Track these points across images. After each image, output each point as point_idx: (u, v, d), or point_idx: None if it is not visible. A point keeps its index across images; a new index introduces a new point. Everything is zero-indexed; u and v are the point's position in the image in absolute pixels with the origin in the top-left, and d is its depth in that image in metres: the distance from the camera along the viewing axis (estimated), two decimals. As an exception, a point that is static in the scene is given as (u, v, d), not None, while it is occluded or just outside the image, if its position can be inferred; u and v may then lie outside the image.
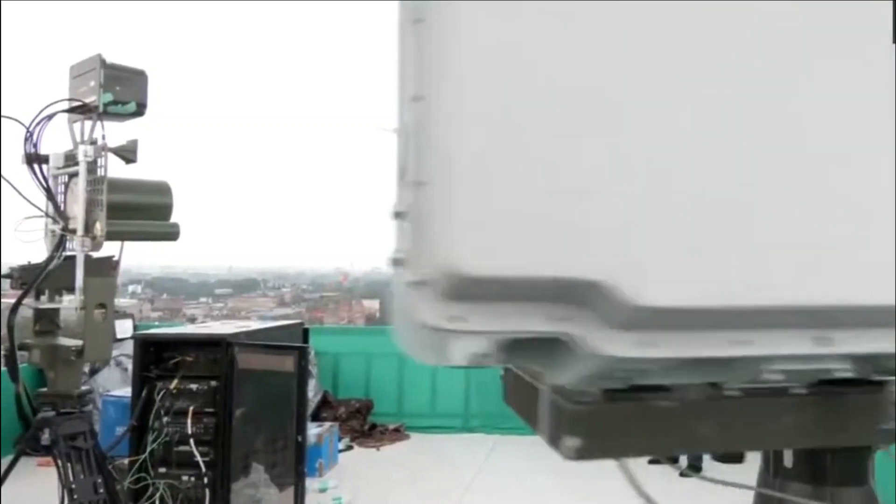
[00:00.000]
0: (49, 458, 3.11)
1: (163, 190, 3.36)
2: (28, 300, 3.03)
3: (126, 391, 5.11)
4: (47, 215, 3.08)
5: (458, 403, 7.63)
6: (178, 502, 4.17)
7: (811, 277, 0.84)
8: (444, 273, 0.79)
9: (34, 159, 3.02)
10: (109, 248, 3.07)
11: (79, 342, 2.97)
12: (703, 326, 0.86)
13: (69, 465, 2.98)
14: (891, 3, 0.91)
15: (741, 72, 0.96)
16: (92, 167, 2.96)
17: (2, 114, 2.89)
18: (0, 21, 3.39)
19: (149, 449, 4.16)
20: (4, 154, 2.95)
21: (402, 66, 0.93)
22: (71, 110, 3.08)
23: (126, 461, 4.22)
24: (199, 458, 4.18)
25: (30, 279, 2.96)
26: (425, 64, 0.87)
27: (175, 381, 4.27)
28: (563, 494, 5.64)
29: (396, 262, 0.86)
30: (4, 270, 3.07)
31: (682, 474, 6.45)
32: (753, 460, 1.31)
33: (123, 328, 3.07)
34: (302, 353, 4.34)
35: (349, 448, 6.93)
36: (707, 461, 6.10)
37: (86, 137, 3.04)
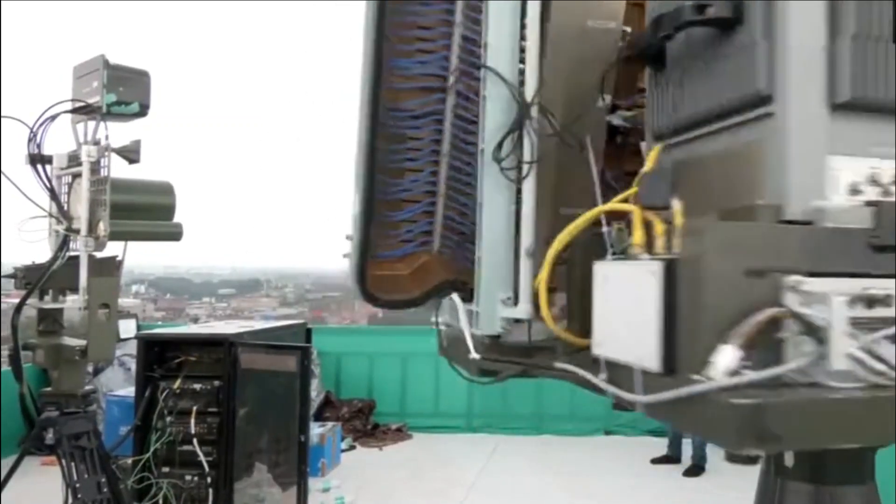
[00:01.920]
0: (53, 458, 3.12)
1: (166, 190, 3.37)
2: (32, 300, 3.03)
3: (129, 391, 5.12)
4: (51, 215, 3.09)
5: (460, 403, 7.62)
6: (181, 502, 4.18)
7: None
8: None
9: (38, 160, 3.02)
10: (113, 248, 3.08)
11: (82, 342, 2.97)
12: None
13: (73, 464, 2.98)
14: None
15: None
16: (95, 167, 2.97)
17: (2, 114, 2.90)
18: (0, 21, 3.40)
19: (152, 448, 4.17)
20: (9, 155, 2.96)
21: None
22: (74, 111, 3.09)
23: (129, 461, 4.23)
24: (202, 458, 4.19)
25: (34, 279, 2.97)
26: None
27: (178, 381, 4.27)
28: (565, 494, 5.64)
29: None
30: (9, 270, 3.08)
31: (685, 474, 6.46)
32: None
33: (127, 328, 3.08)
34: (305, 353, 4.34)
35: (352, 448, 6.93)
36: (711, 462, 6.09)
37: (89, 138, 3.05)
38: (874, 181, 0.99)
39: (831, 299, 0.87)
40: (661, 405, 0.93)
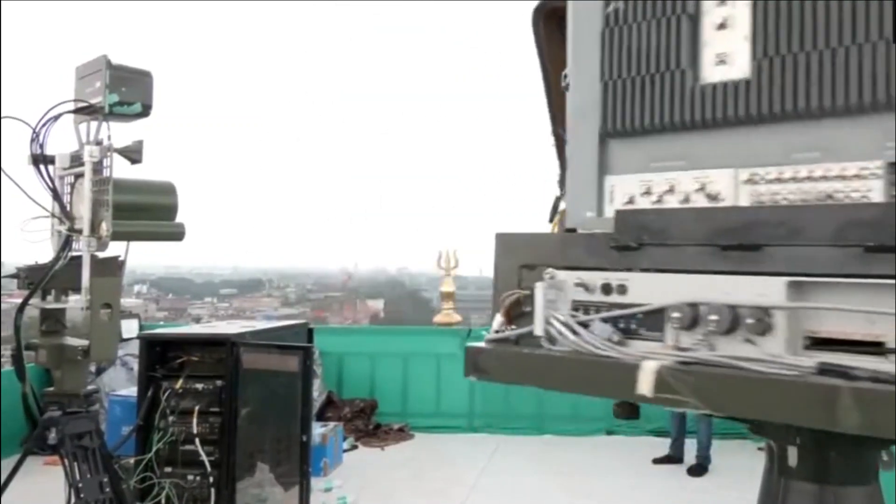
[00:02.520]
0: (55, 458, 3.13)
1: (168, 190, 3.37)
2: (34, 300, 3.04)
3: (132, 391, 5.13)
4: (53, 216, 3.10)
5: (462, 403, 7.63)
6: (183, 501, 4.18)
7: None
8: None
9: (40, 160, 3.03)
10: (115, 249, 3.09)
11: (85, 342, 2.98)
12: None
13: (75, 464, 2.99)
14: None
15: None
16: (97, 168, 2.97)
17: (5, 114, 2.91)
18: (0, 21, 3.40)
19: (154, 448, 4.17)
20: (12, 155, 2.97)
21: None
22: (77, 111, 3.10)
23: (132, 460, 4.23)
24: (204, 458, 4.19)
25: (36, 279, 2.98)
26: None
27: (180, 381, 4.28)
28: (566, 495, 5.64)
29: None
30: (12, 270, 3.09)
31: (688, 473, 6.49)
32: (759, 459, 1.31)
33: (129, 328, 3.08)
34: (306, 353, 4.34)
35: (354, 448, 6.94)
36: (715, 460, 6.09)
37: (91, 138, 3.05)
38: (647, 193, 1.19)
39: (535, 284, 1.19)
40: None
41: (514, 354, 1.21)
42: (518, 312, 1.24)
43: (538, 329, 1.15)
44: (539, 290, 1.16)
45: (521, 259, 1.25)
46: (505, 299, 1.24)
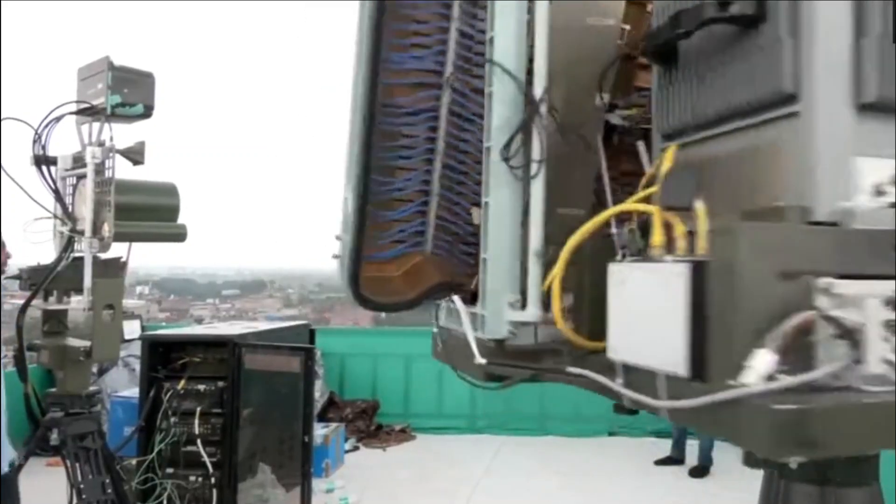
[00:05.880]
0: (58, 458, 3.13)
1: (170, 191, 3.38)
2: (37, 301, 3.04)
3: (134, 392, 5.13)
4: (56, 217, 3.10)
5: (464, 404, 7.62)
6: (185, 502, 4.19)
7: None
8: None
9: (43, 161, 3.03)
10: (117, 250, 3.09)
11: (87, 343, 2.98)
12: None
13: (77, 465, 2.99)
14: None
15: None
16: (100, 169, 2.98)
17: (7, 115, 2.91)
18: (0, 21, 3.40)
19: (156, 449, 4.18)
20: (14, 156, 2.97)
21: None
22: (79, 112, 3.10)
23: (134, 461, 4.24)
24: (206, 459, 4.19)
25: (38, 280, 2.98)
26: None
27: (182, 382, 4.28)
28: (569, 495, 5.63)
29: None
30: (14, 271, 3.09)
31: (690, 474, 6.46)
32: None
33: (131, 329, 3.08)
34: (308, 354, 4.35)
35: (355, 448, 6.94)
36: (717, 461, 6.08)
37: (93, 139, 3.06)
38: None
39: (866, 302, 0.85)
40: (689, 410, 0.91)
41: (870, 410, 0.84)
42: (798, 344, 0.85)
43: (875, 365, 0.84)
44: (873, 308, 0.84)
45: (779, 263, 0.88)
46: (789, 327, 0.84)
